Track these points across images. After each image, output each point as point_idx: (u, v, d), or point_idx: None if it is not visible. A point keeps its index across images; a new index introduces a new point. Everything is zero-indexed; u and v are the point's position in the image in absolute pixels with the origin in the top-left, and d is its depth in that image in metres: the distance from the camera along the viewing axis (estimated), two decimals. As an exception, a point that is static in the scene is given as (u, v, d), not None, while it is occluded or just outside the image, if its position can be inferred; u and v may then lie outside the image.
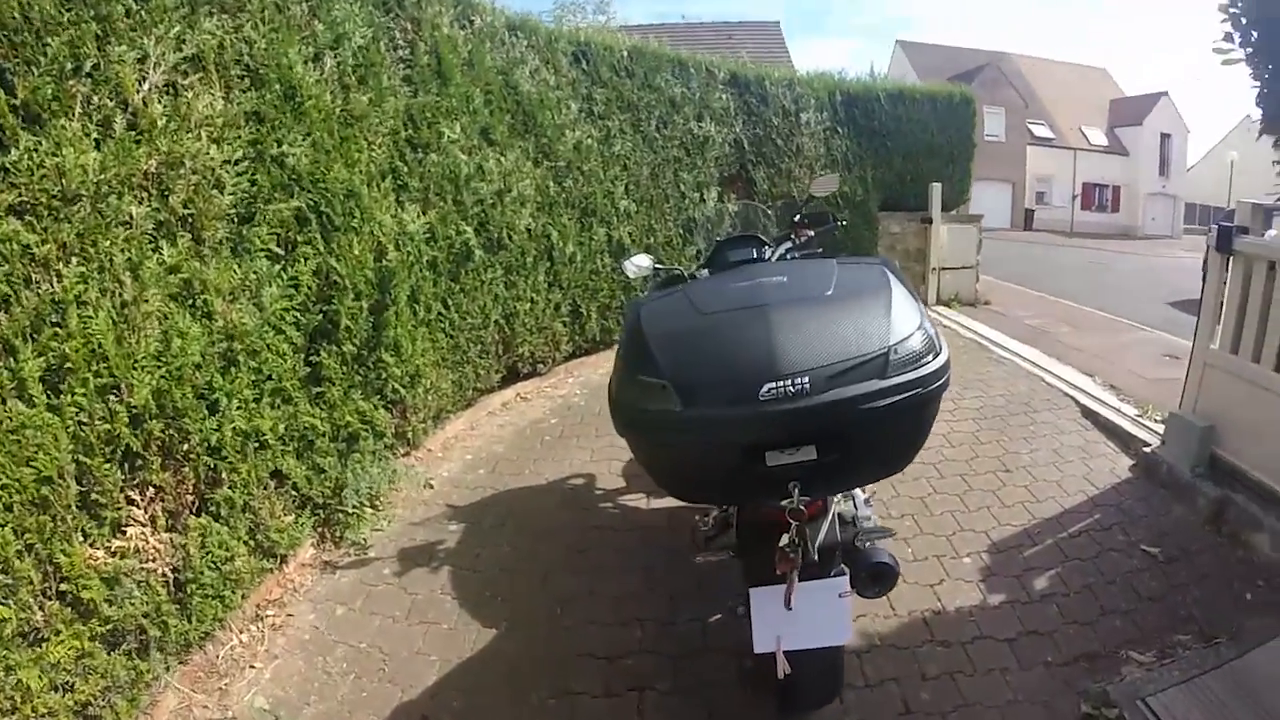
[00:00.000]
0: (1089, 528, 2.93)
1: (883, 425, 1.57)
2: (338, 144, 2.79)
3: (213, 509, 2.20)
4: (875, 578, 1.75)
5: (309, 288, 2.61)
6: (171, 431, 2.00)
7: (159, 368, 1.95)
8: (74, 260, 1.74)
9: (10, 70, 1.64)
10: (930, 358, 1.59)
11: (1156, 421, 3.66)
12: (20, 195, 1.63)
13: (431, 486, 3.27)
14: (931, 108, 7.37)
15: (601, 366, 5.20)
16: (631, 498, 3.32)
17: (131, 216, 1.90)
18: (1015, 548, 2.81)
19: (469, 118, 3.71)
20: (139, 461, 1.92)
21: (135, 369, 1.87)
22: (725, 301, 1.71)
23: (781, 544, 1.57)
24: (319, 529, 2.81)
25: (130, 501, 1.91)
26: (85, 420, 1.75)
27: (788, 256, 2.79)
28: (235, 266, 2.28)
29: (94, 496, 1.79)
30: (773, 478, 1.52)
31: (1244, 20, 3.14)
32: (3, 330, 1.58)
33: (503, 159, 3.96)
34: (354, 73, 2.97)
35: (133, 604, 1.85)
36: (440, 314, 3.58)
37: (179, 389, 2.00)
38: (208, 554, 2.14)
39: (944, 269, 7.05)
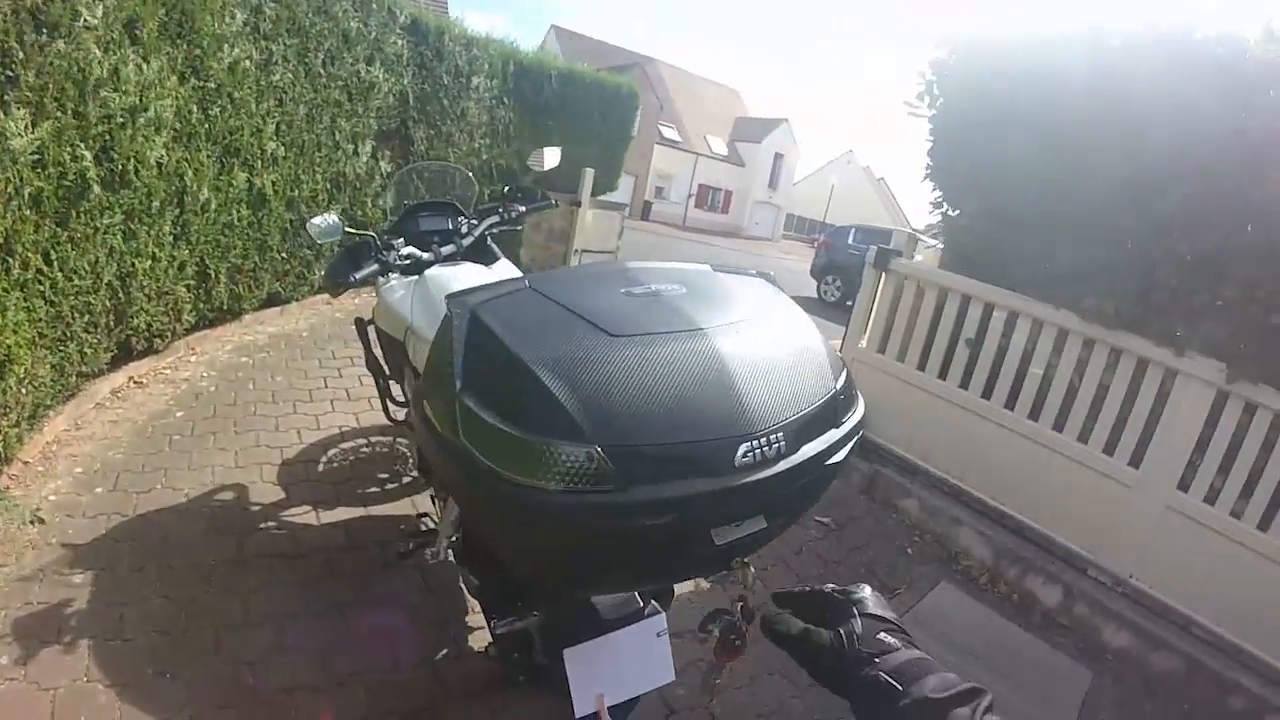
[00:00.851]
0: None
1: (827, 481, 1.40)
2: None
3: None
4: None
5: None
6: None
7: None
8: None
9: None
10: (856, 396, 1.47)
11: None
12: None
13: (41, 520, 2.35)
14: (598, 95, 7.66)
15: (229, 340, 4.35)
16: (296, 512, 2.89)
17: None
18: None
19: (114, 1, 2.71)
20: None
21: None
22: (637, 320, 1.24)
23: (714, 628, 1.34)
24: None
25: None
26: None
27: (493, 231, 2.70)
28: None
29: None
30: (715, 557, 1.26)
31: (935, 89, 4.04)
32: None
33: (145, 66, 2.98)
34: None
35: None
36: (40, 271, 2.58)
37: None
38: None
39: (586, 251, 7.50)
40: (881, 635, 0.96)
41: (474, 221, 2.63)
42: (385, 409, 2.89)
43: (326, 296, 5.26)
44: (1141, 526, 3.15)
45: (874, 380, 4.12)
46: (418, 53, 5.50)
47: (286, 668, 2.10)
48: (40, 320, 2.61)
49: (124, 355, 3.44)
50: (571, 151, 7.47)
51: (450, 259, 2.45)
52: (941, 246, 4.45)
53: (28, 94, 2.36)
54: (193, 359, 4.00)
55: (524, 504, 1.09)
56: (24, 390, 2.52)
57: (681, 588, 2.25)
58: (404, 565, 2.56)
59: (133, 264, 3.20)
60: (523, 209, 2.74)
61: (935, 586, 3.26)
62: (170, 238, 3.49)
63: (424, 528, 2.40)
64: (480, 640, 2.24)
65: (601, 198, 8.01)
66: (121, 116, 2.89)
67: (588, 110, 7.60)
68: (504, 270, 2.59)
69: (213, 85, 3.56)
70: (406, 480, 3.20)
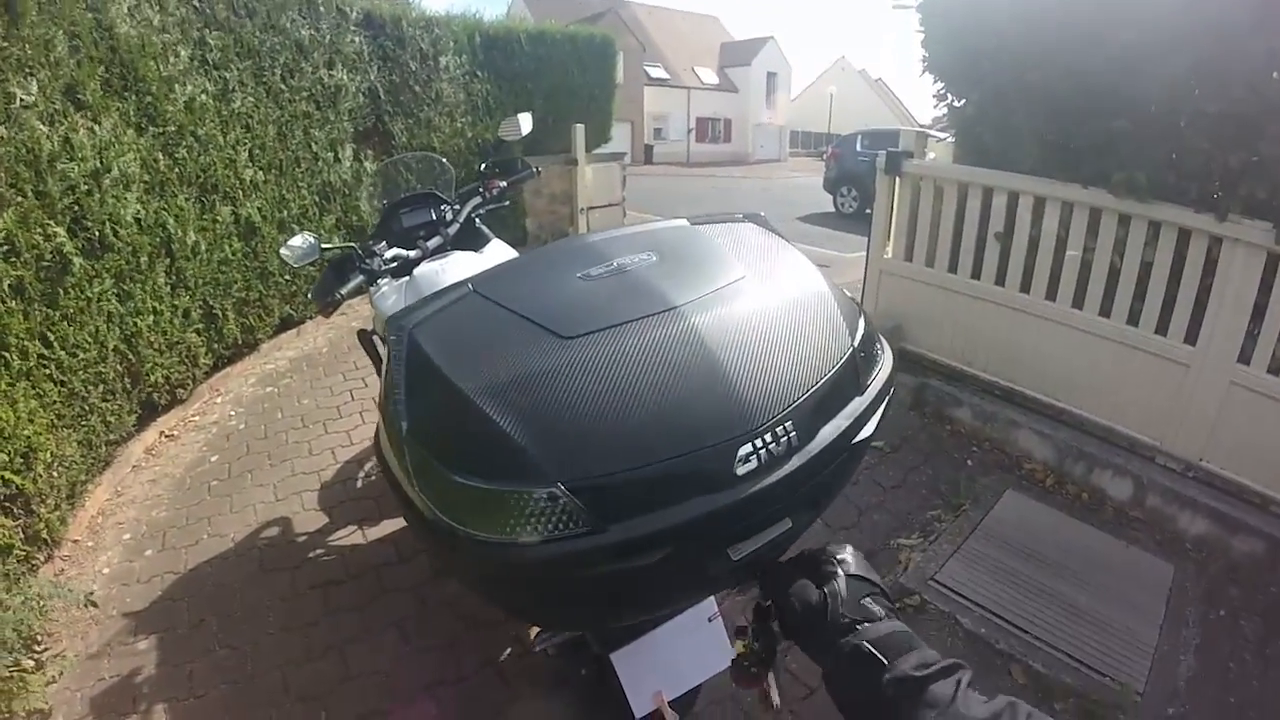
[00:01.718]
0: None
1: (860, 457, 1.20)
2: None
3: None
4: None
5: None
6: None
7: None
8: None
9: None
10: (881, 347, 1.27)
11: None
12: None
13: (95, 604, 2.45)
14: (572, 49, 7.51)
15: (251, 373, 4.44)
16: (342, 534, 2.96)
17: None
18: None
19: (49, 71, 2.70)
20: None
21: None
22: (596, 311, 1.06)
23: (739, 653, 1.16)
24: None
25: None
26: None
27: (479, 213, 2.61)
28: None
29: None
30: (736, 572, 1.09)
31: None
32: None
33: (97, 127, 2.97)
34: None
35: None
36: (42, 356, 2.64)
37: None
38: None
39: (592, 208, 7.42)
40: (865, 601, 0.92)
41: (456, 207, 2.55)
42: None
43: (343, 308, 5.31)
44: (1206, 406, 2.99)
45: (905, 290, 3.98)
46: (378, 46, 5.39)
47: (356, 695, 2.16)
48: (55, 403, 2.68)
49: (150, 412, 3.53)
50: (556, 111, 7.51)
51: (439, 251, 2.39)
52: (952, 140, 4.22)
53: (-21, 188, 2.37)
54: (218, 400, 4.10)
55: (488, 559, 0.97)
56: (55, 474, 2.61)
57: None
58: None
59: (135, 324, 3.26)
60: (503, 184, 2.66)
61: (1001, 496, 3.18)
62: (167, 289, 3.54)
63: None
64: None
65: (598, 151, 7.86)
66: (86, 183, 2.89)
67: (565, 67, 7.44)
68: (497, 252, 2.51)
69: (173, 128, 3.54)
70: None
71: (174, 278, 3.61)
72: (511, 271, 1.33)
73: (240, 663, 2.30)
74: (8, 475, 2.29)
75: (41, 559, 2.54)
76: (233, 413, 3.97)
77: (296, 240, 2.08)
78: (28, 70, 2.58)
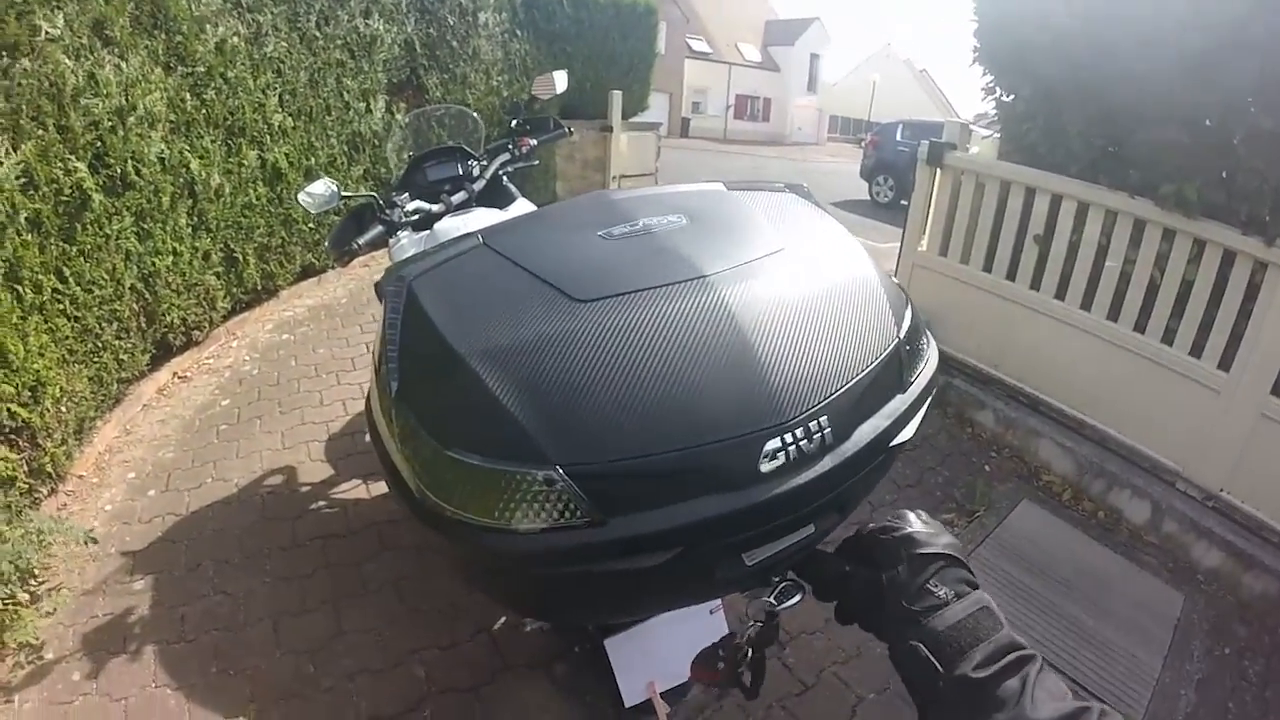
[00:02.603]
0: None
1: (891, 463, 1.12)
2: None
3: None
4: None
5: None
6: None
7: None
8: None
9: None
10: (927, 342, 1.17)
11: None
12: None
13: (94, 542, 2.49)
14: (614, 15, 7.38)
15: (268, 319, 4.47)
16: (346, 488, 2.97)
17: None
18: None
19: (76, 5, 2.68)
20: None
21: None
22: (616, 274, 0.96)
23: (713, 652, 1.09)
24: (-35, 645, 2.01)
25: None
26: None
27: (506, 171, 2.55)
28: None
29: None
30: (748, 578, 0.99)
31: None
32: None
33: (123, 64, 2.96)
34: None
35: None
36: (56, 291, 2.66)
37: None
38: None
39: (624, 176, 7.32)
40: (930, 585, 0.82)
41: (484, 163, 2.50)
42: None
43: (363, 260, 5.31)
44: (1233, 436, 2.89)
45: (938, 285, 3.90)
46: (416, -3, 5.29)
47: (346, 652, 2.18)
48: (67, 338, 2.71)
49: (164, 353, 3.57)
50: (594, 76, 7.40)
51: (463, 207, 2.35)
52: (998, 136, 4.09)
53: (0, 121, 2.37)
54: (234, 344, 4.13)
55: (470, 543, 0.88)
56: (63, 409, 2.64)
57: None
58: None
59: (153, 263, 3.27)
60: (533, 142, 2.60)
61: (1016, 506, 3.12)
62: (188, 230, 3.55)
63: None
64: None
65: (634, 119, 7.74)
66: (109, 120, 2.89)
67: (606, 32, 7.32)
68: (520, 210, 2.47)
69: (202, 69, 3.52)
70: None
71: (195, 219, 3.62)
72: (526, 225, 1.23)
73: (233, 610, 2.34)
74: (14, 408, 2.32)
75: (45, 493, 2.59)
76: (247, 358, 4.01)
77: (317, 186, 2.04)
78: (54, 4, 2.56)
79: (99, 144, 2.87)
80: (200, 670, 2.12)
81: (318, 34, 4.40)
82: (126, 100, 2.99)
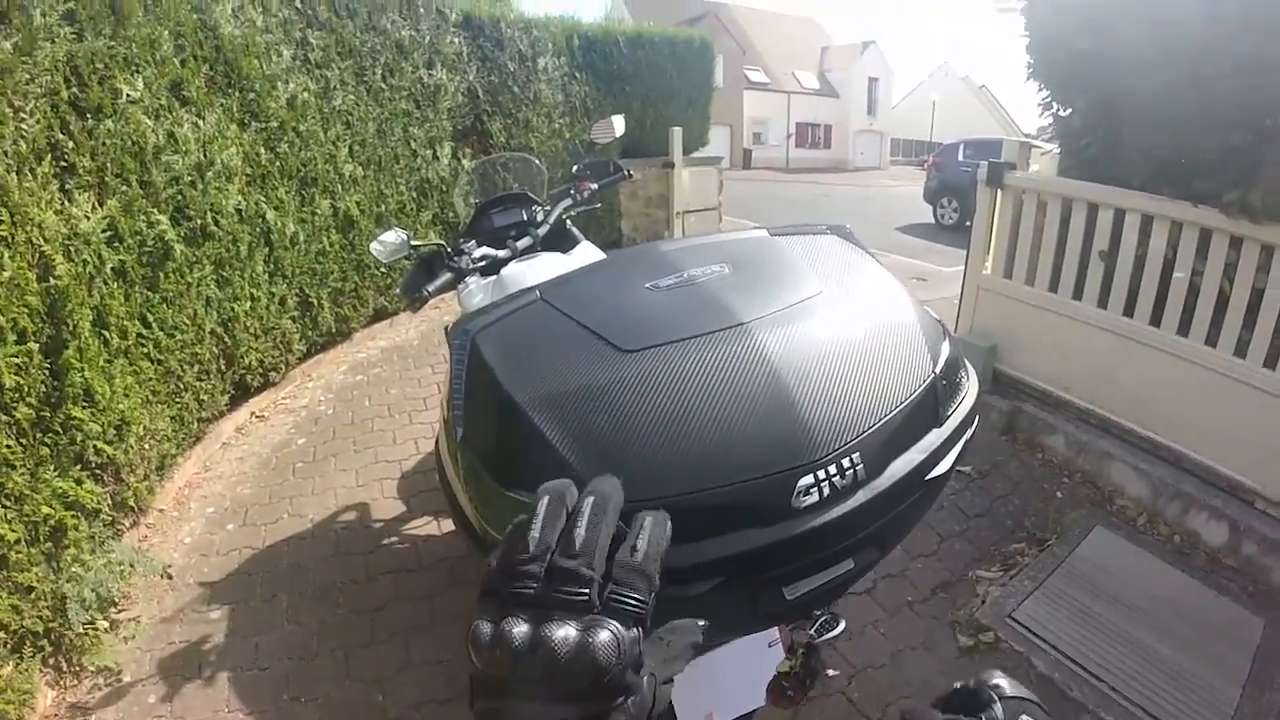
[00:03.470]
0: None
1: (934, 497, 1.13)
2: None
3: None
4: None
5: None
6: None
7: None
8: None
9: None
10: (965, 375, 1.19)
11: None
12: None
13: (170, 576, 2.60)
14: (670, 52, 7.52)
15: (342, 361, 4.63)
16: (418, 524, 3.01)
17: None
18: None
19: (155, 69, 2.91)
20: None
21: None
22: (660, 324, 1.04)
23: (779, 671, 1.15)
24: (51, 665, 2.14)
25: None
26: None
27: (569, 215, 2.58)
28: None
29: None
30: (787, 612, 1.05)
31: None
32: None
33: (200, 122, 3.18)
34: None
35: None
36: (140, 336, 2.84)
37: None
38: None
39: (688, 212, 7.34)
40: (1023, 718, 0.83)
41: (548, 208, 2.55)
42: None
43: (434, 302, 5.49)
44: (1313, 449, 2.63)
45: (1003, 308, 3.72)
46: (477, 47, 5.52)
47: (414, 682, 2.20)
48: (150, 380, 2.88)
49: (242, 393, 3.75)
50: (654, 113, 7.53)
51: (529, 251, 2.39)
52: (1058, 151, 3.93)
53: (87, 178, 2.56)
54: (309, 385, 4.30)
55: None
56: (146, 446, 2.79)
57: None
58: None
59: (232, 309, 3.46)
60: (594, 186, 2.63)
61: (1089, 533, 2.91)
62: (265, 276, 3.74)
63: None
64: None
65: (695, 154, 7.80)
66: (189, 175, 3.10)
67: (662, 70, 7.46)
68: (585, 254, 2.49)
69: (275, 124, 3.74)
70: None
71: (272, 266, 3.81)
72: (581, 278, 1.31)
73: (306, 640, 2.39)
74: (100, 445, 2.46)
75: (127, 525, 2.73)
76: (322, 398, 4.16)
77: (389, 235, 2.15)
78: (134, 68, 2.78)
79: (180, 198, 3.07)
80: (272, 697, 2.18)
81: (384, 86, 4.64)
82: (204, 156, 3.20)
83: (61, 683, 2.17)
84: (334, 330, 4.52)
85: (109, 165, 2.65)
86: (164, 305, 2.97)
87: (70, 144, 2.48)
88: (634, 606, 0.42)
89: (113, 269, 2.65)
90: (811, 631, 1.07)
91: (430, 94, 5.09)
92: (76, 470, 2.34)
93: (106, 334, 2.61)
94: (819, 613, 1.07)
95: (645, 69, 7.22)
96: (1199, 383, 2.96)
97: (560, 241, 2.53)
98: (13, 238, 2.13)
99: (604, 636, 0.39)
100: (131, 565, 2.45)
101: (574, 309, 1.08)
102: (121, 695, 2.17)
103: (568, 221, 2.60)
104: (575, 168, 2.71)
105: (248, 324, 3.60)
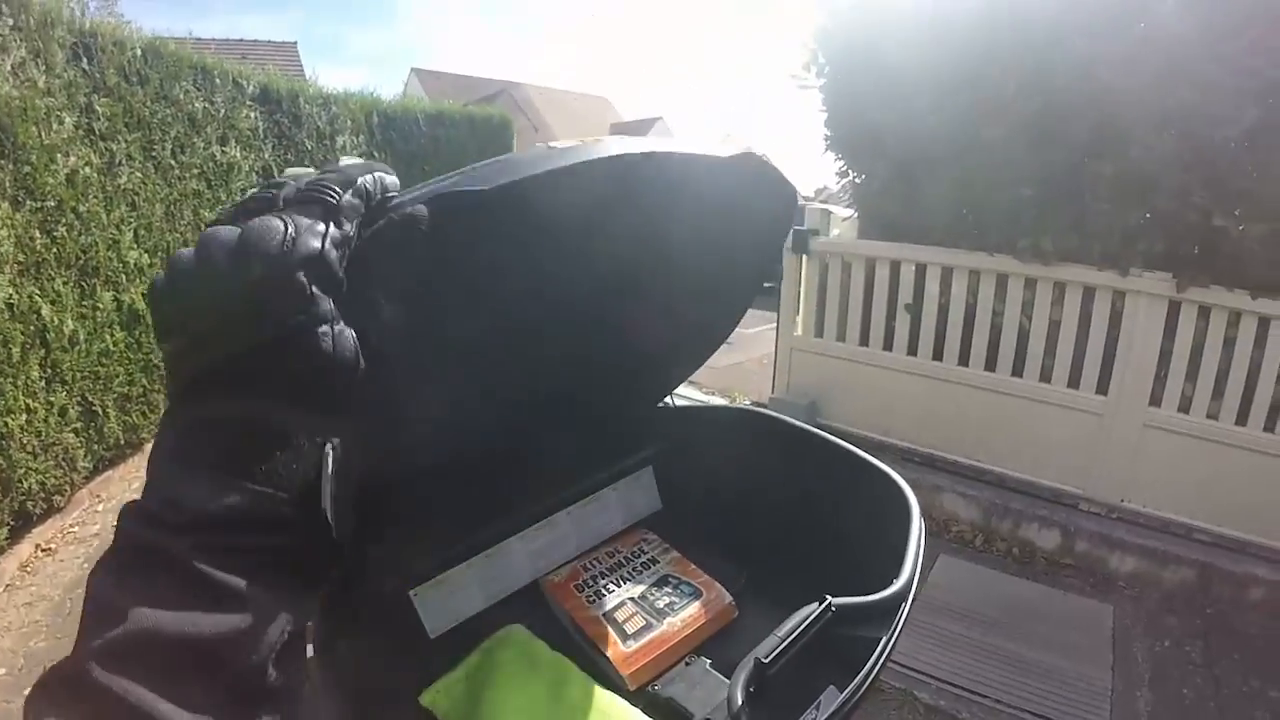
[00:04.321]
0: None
1: None
2: None
3: None
4: None
5: None
6: None
7: None
8: None
9: None
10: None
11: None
12: None
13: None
14: (470, 129, 7.57)
15: (134, 477, 3.95)
16: None
17: None
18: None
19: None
20: None
21: None
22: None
23: None
24: None
25: None
26: None
27: None
28: None
29: None
30: None
31: (820, 58, 3.98)
32: None
33: (-34, 201, 2.63)
34: None
35: None
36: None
37: None
38: None
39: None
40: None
41: None
42: None
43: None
44: (1122, 450, 3.21)
45: (818, 366, 4.07)
46: (274, 122, 5.18)
47: None
48: (-91, 523, 2.26)
49: (24, 523, 3.07)
50: None
51: None
52: (856, 215, 4.42)
53: None
54: (99, 508, 3.61)
55: None
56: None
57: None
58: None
59: (5, 423, 2.83)
60: None
61: (935, 562, 3.21)
62: (42, 383, 3.12)
63: None
64: None
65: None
66: (-48, 265, 2.54)
67: (462, 147, 7.49)
68: None
69: (52, 203, 3.19)
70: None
71: (49, 371, 3.19)
72: None
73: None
74: None
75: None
76: (114, 522, 3.49)
77: None
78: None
79: (-59, 292, 2.50)
80: None
81: (174, 163, 4.15)
82: (-31, 242, 2.64)
83: None
84: (123, 442, 3.84)
85: None
86: (-77, 426, 2.37)
87: None
88: (325, 194, 0.39)
89: None
90: None
91: (223, 173, 4.63)
92: None
93: None
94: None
95: (445, 146, 7.21)
96: (1012, 410, 3.44)
97: None
98: None
99: (272, 222, 0.36)
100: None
101: None
102: None
103: None
104: None
105: (24, 441, 2.96)
